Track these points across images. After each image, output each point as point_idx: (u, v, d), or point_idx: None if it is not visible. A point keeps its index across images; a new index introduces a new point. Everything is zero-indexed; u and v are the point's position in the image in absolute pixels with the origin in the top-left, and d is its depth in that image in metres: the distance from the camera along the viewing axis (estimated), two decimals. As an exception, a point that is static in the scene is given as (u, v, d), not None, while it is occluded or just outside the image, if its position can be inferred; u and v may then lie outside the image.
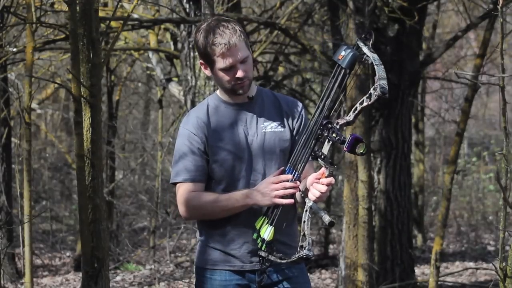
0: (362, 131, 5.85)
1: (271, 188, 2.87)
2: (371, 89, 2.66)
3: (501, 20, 2.86)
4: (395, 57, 6.99)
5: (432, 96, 13.34)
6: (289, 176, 2.88)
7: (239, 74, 2.91)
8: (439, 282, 6.57)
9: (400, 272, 7.04)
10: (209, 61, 2.94)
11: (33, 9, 4.42)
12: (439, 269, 6.36)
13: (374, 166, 6.99)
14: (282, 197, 2.87)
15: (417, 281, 7.36)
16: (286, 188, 2.87)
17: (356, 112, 2.74)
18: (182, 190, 2.97)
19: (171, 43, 8.15)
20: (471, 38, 13.11)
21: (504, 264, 3.03)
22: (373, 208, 6.50)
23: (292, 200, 2.87)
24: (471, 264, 9.19)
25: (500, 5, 2.85)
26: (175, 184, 3.00)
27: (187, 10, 6.28)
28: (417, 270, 8.42)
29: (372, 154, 6.79)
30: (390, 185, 7.08)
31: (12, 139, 9.01)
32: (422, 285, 7.46)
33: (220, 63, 2.91)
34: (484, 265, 8.86)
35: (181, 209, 2.98)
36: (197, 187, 2.97)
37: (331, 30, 7.31)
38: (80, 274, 4.09)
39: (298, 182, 2.88)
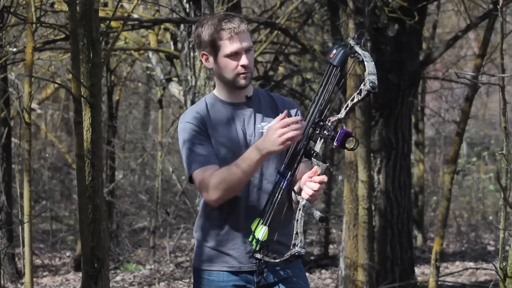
0: (362, 131, 5.85)
1: (279, 133, 2.78)
2: (361, 84, 2.69)
3: (501, 20, 2.86)
4: (395, 57, 6.99)
5: (432, 96, 13.35)
6: (295, 118, 2.81)
7: (244, 61, 2.92)
8: (439, 282, 6.57)
9: (400, 272, 7.03)
10: (214, 48, 2.94)
11: (33, 9, 4.42)
12: (439, 269, 6.36)
13: (374, 166, 6.99)
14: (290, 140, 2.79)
15: (417, 281, 7.36)
16: (294, 130, 2.78)
17: (348, 109, 2.76)
18: (199, 177, 2.91)
19: (171, 43, 8.15)
20: (471, 38, 13.11)
21: (504, 264, 3.03)
22: (373, 208, 6.50)
23: (301, 133, 2.80)
24: (471, 264, 9.19)
25: (500, 5, 2.85)
26: (190, 178, 2.95)
27: (187, 10, 6.28)
28: (417, 270, 8.42)
29: (372, 154, 6.79)
30: (390, 185, 7.08)
31: (12, 139, 9.01)
32: (422, 285, 7.46)
33: (227, 47, 2.91)
34: (484, 265, 8.86)
35: (205, 194, 2.91)
36: (213, 170, 2.91)
37: (331, 30, 7.31)
38: (80, 274, 4.09)
39: (303, 122, 2.82)
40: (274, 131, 2.79)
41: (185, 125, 2.97)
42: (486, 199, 12.64)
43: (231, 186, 2.87)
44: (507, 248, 3.11)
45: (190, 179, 2.98)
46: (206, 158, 2.93)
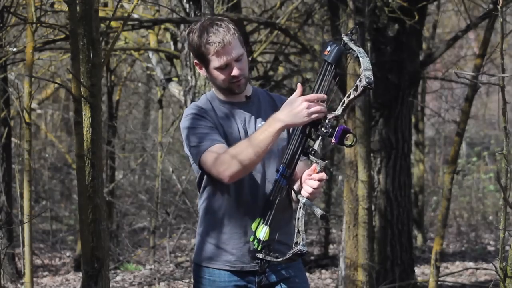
0: (362, 131, 5.85)
1: (307, 105, 2.74)
2: (357, 81, 2.67)
3: (501, 20, 2.86)
4: (395, 57, 6.99)
5: (432, 96, 13.34)
6: (321, 95, 2.76)
7: (235, 72, 2.90)
8: (439, 282, 6.57)
9: (400, 272, 7.03)
10: (203, 61, 2.93)
11: (33, 9, 4.42)
12: (439, 269, 6.36)
13: (374, 166, 6.99)
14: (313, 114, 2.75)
15: (417, 281, 7.35)
16: (320, 105, 2.75)
17: (344, 105, 2.75)
18: (211, 155, 2.86)
19: (171, 43, 8.15)
20: (471, 38, 13.12)
21: (504, 264, 3.03)
22: (373, 208, 6.50)
23: (325, 110, 2.75)
24: (471, 264, 9.19)
25: (500, 5, 2.85)
26: (199, 162, 2.88)
27: (187, 10, 6.28)
28: (417, 270, 8.42)
29: (372, 154, 6.79)
30: (390, 185, 7.08)
31: (12, 139, 9.01)
32: (422, 285, 7.46)
33: (215, 62, 2.89)
34: (484, 265, 8.86)
35: (219, 171, 2.83)
36: (223, 147, 2.87)
37: (331, 30, 7.31)
38: (80, 274, 4.09)
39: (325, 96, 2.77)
40: (301, 103, 2.74)
41: (190, 115, 2.95)
42: (486, 199, 12.64)
43: (246, 160, 2.79)
44: (507, 248, 3.11)
45: (199, 165, 2.91)
46: (216, 138, 2.89)
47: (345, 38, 2.77)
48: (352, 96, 2.70)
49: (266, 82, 8.32)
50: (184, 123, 2.96)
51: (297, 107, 2.74)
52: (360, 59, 2.68)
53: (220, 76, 2.92)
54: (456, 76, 7.13)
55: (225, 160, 2.82)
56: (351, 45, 2.74)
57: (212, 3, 5.33)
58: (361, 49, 2.72)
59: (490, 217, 12.00)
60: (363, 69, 2.65)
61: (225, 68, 2.90)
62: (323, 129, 2.77)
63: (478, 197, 12.68)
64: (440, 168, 14.58)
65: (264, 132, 2.78)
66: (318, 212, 2.78)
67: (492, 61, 9.61)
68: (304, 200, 2.82)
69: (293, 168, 2.86)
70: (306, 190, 2.82)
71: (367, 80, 2.63)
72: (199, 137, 2.90)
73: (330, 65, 2.78)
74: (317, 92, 2.79)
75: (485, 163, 14.35)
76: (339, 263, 6.94)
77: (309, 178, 2.82)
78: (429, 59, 7.67)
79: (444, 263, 9.13)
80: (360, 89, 2.66)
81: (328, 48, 2.78)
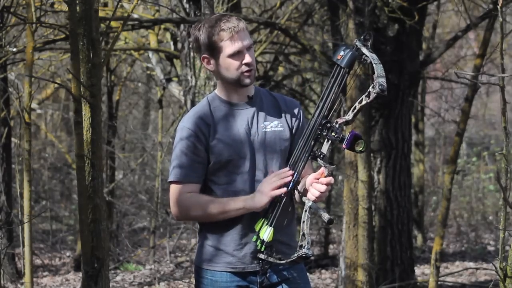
0: (362, 131, 5.85)
1: (268, 183, 2.86)
2: (370, 87, 2.67)
3: (501, 20, 2.86)
4: (395, 57, 6.99)
5: (432, 96, 13.35)
6: (285, 170, 2.87)
7: (247, 59, 2.91)
8: (439, 282, 6.58)
9: (400, 272, 7.04)
10: (214, 51, 2.93)
11: (33, 9, 4.42)
12: (439, 269, 6.36)
13: (374, 166, 6.99)
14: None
15: (417, 281, 7.36)
16: (282, 178, 2.85)
17: (355, 111, 2.75)
18: (176, 190, 2.96)
19: (171, 43, 8.15)
20: (471, 38, 13.12)
21: (504, 264, 3.03)
22: (373, 208, 6.50)
23: (285, 189, 2.84)
24: (471, 264, 9.19)
25: (500, 5, 2.85)
26: (170, 182, 3.00)
27: (187, 10, 6.28)
28: (417, 270, 8.42)
29: (372, 154, 6.79)
30: (390, 185, 7.08)
31: (12, 139, 9.01)
32: (422, 285, 7.46)
33: (229, 47, 2.90)
34: (484, 265, 8.87)
35: (174, 209, 2.98)
36: (192, 188, 2.95)
37: (331, 30, 7.31)
38: (80, 274, 4.09)
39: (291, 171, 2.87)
40: (263, 184, 2.87)
41: (183, 129, 2.96)
42: (486, 199, 12.64)
43: (199, 217, 2.97)
44: (507, 248, 3.11)
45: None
46: (191, 175, 2.94)
47: (358, 43, 2.76)
48: (364, 102, 2.70)
49: (266, 82, 8.32)
50: (177, 132, 2.99)
51: (261, 188, 2.87)
52: (374, 65, 2.68)
53: (233, 64, 2.92)
54: (456, 76, 7.12)
55: (181, 206, 2.95)
56: (364, 50, 2.74)
57: (212, 3, 5.34)
58: (374, 55, 2.71)
59: (490, 217, 12.00)
60: (377, 75, 2.65)
61: (238, 54, 2.91)
62: (333, 134, 2.78)
63: (478, 197, 12.68)
64: (440, 168, 14.58)
65: (231, 204, 2.89)
66: (325, 216, 2.79)
67: (492, 61, 9.62)
68: (310, 203, 2.82)
69: (300, 171, 2.87)
70: (313, 194, 2.82)
71: (380, 87, 2.64)
72: (176, 164, 2.96)
73: (342, 70, 2.77)
74: (327, 97, 2.80)
75: (485, 163, 14.35)
76: (339, 263, 6.94)
77: (317, 182, 2.82)
78: (429, 59, 7.67)
79: (444, 263, 9.13)
80: (373, 95, 2.66)
81: (341, 53, 2.77)
